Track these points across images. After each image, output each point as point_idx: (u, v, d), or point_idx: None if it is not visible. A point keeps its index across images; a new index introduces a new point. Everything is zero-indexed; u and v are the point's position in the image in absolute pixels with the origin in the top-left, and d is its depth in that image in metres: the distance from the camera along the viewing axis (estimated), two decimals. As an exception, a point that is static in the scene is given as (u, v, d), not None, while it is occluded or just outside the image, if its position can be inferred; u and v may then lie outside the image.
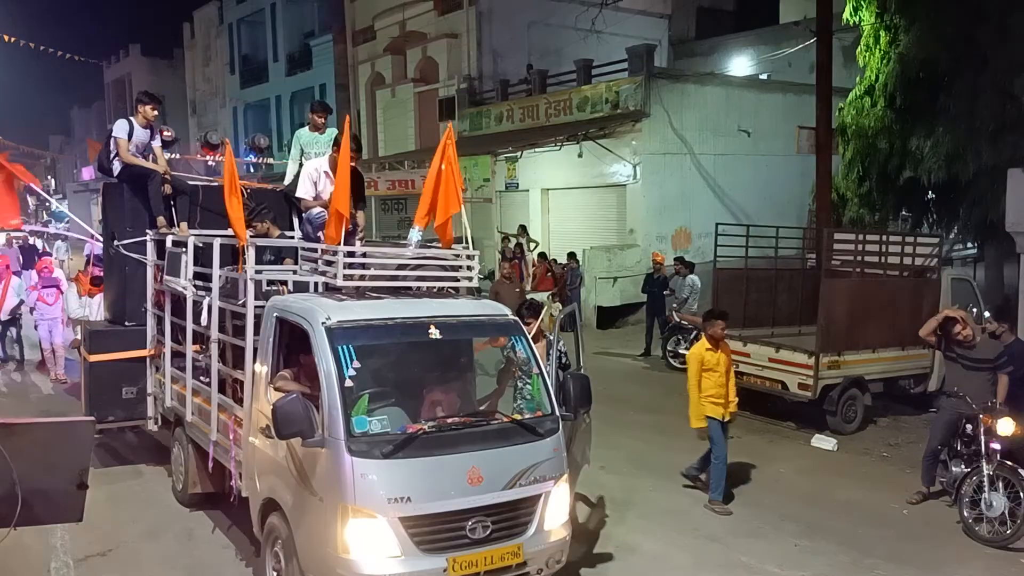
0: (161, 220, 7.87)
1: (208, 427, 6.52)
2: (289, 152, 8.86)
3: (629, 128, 17.53)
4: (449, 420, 5.05)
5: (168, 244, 7.39)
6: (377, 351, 5.17)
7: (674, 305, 14.19)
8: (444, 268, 5.81)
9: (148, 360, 8.04)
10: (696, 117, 18.23)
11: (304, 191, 6.70)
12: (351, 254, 5.52)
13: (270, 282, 6.37)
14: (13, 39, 19.32)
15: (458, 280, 5.77)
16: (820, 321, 9.96)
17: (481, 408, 5.66)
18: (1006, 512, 6.71)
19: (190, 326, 6.88)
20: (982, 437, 7.03)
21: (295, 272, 6.25)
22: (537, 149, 19.10)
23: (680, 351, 13.70)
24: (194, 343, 7.03)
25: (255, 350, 5.71)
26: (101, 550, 6.42)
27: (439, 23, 23.87)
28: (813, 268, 11.92)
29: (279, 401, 4.71)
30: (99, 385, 7.98)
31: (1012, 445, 7.00)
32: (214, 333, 6.45)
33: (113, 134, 7.99)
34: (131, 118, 8.10)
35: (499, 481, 4.85)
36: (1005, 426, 6.93)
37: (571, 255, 16.99)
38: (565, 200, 19.98)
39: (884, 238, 11.38)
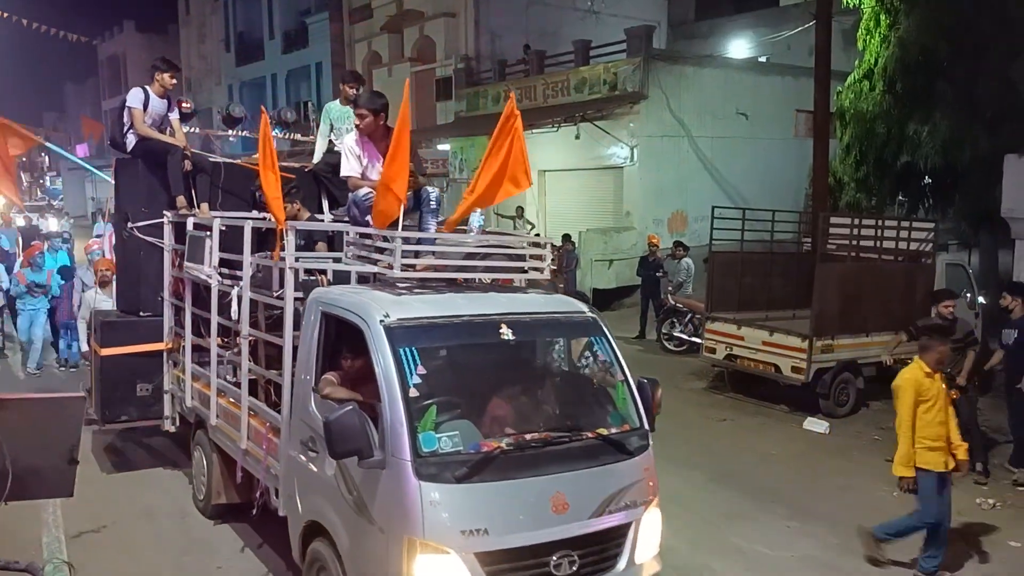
0: (180, 200, 7.09)
1: (237, 433, 5.81)
2: (318, 128, 8.15)
3: (627, 110, 17.46)
4: (528, 436, 4.31)
5: (189, 227, 6.70)
6: (443, 354, 4.57)
7: (669, 288, 14.20)
8: (513, 258, 5.15)
9: (165, 354, 7.35)
10: (694, 100, 18.16)
11: (350, 168, 5.68)
12: (410, 240, 4.88)
13: (307, 272, 5.59)
14: (5, 15, 19.09)
15: (526, 271, 5.13)
16: (814, 305, 9.98)
17: (561, 420, 4.81)
18: None
19: (215, 319, 6.17)
20: None
21: (339, 260, 5.55)
22: (534, 131, 19.02)
23: (675, 334, 13.76)
24: (217, 337, 6.37)
25: (295, 349, 5.08)
26: (95, 527, 6.44)
27: (436, 2, 23.68)
28: (808, 252, 11.93)
29: (333, 414, 4.03)
30: (111, 382, 7.27)
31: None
32: (244, 328, 5.71)
33: (127, 104, 7.25)
34: (146, 87, 7.33)
35: (586, 508, 4.23)
36: None
37: (566, 237, 16.99)
38: (562, 182, 19.94)
39: (880, 223, 11.39)
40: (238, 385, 5.87)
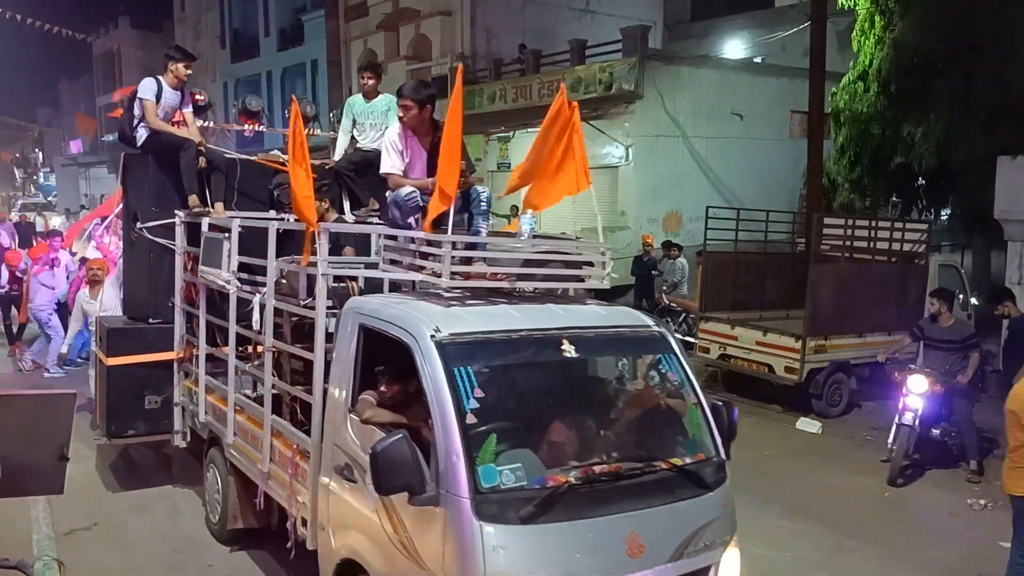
0: (194, 199, 6.64)
1: (258, 454, 5.37)
2: (340, 123, 7.65)
3: (622, 109, 17.46)
4: (597, 468, 3.84)
5: (204, 228, 6.30)
6: (501, 374, 4.05)
7: (664, 288, 14.22)
8: (570, 265, 4.61)
9: (176, 364, 6.89)
10: (689, 100, 18.17)
11: (391, 165, 5.05)
12: (460, 245, 4.34)
13: (335, 278, 5.13)
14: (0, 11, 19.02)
15: (583, 280, 4.62)
16: (808, 305, 10.00)
17: (631, 449, 4.28)
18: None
19: (233, 328, 5.72)
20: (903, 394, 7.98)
21: (373, 265, 5.20)
22: (530, 129, 19.02)
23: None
24: (235, 348, 5.94)
25: (327, 364, 4.61)
26: (87, 524, 6.42)
27: (432, 0, 23.67)
28: (802, 252, 11.96)
29: (381, 444, 3.55)
30: (118, 393, 6.80)
31: (933, 403, 7.91)
32: (268, 340, 5.22)
33: (138, 95, 6.81)
34: (159, 77, 6.90)
35: (664, 551, 3.76)
36: (916, 383, 7.86)
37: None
38: (557, 181, 19.92)
39: (873, 224, 11.42)
40: (258, 400, 5.49)
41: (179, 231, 6.75)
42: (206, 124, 7.76)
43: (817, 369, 10.00)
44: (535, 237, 4.87)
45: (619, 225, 17.90)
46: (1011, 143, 11.35)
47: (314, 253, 4.71)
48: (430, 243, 4.38)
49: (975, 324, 11.10)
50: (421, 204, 4.78)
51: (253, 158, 7.24)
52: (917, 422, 7.84)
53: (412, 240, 4.60)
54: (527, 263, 4.46)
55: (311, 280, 4.87)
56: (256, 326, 5.40)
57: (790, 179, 17.54)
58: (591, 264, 4.62)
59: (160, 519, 6.60)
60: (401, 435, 3.55)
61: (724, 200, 16.99)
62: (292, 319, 5.26)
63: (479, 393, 3.69)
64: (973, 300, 11.92)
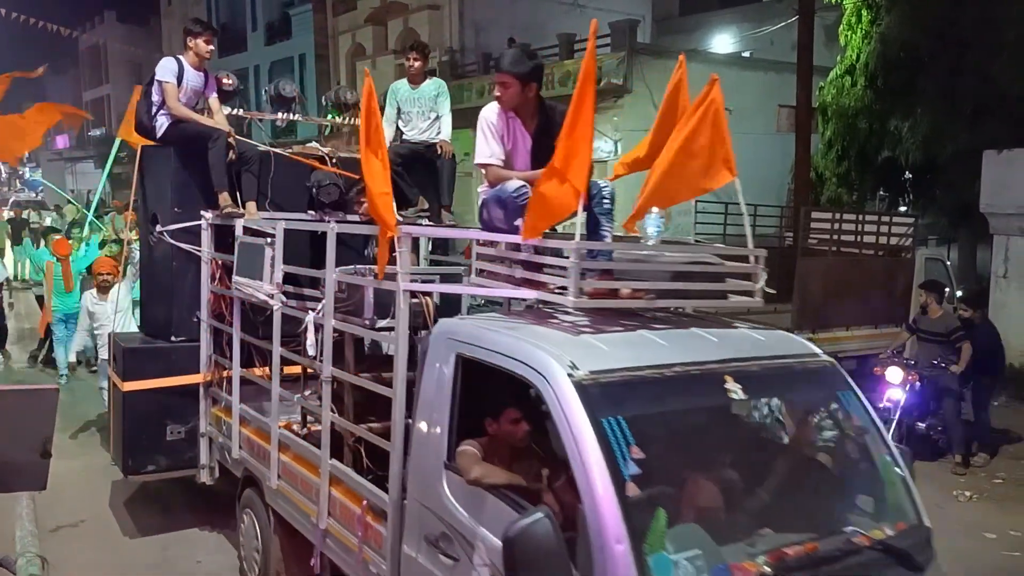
0: (225, 197, 5.72)
1: (311, 506, 4.39)
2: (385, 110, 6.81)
3: (611, 104, 17.46)
4: (790, 551, 2.84)
5: (238, 232, 5.36)
6: (656, 425, 3.12)
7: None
8: (714, 278, 3.71)
9: (202, 389, 5.97)
10: (678, 94, 18.19)
11: (489, 154, 4.08)
12: (593, 254, 3.55)
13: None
14: (-17, 4, 18.80)
15: (727, 297, 3.75)
16: (795, 299, 10.03)
17: (821, 520, 3.21)
18: None
19: (277, 352, 4.77)
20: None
21: (448, 278, 4.64)
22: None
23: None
24: (264, 366, 5.15)
25: (408, 401, 3.66)
26: (73, 521, 6.39)
27: (421, -6, 23.61)
28: (790, 246, 12.01)
29: (517, 526, 2.58)
30: (137, 423, 5.94)
31: (917, 396, 8.11)
32: (326, 369, 4.23)
33: (156, 78, 5.98)
34: (179, 57, 6.09)
35: None
36: (892, 375, 8.10)
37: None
38: (546, 176, 19.92)
39: (860, 217, 11.47)
40: (310, 439, 4.60)
41: (205, 235, 5.83)
42: (234, 112, 6.90)
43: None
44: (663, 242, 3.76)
45: (608, 220, 17.92)
46: (997, 138, 11.42)
47: (391, 262, 3.75)
48: (545, 251, 3.50)
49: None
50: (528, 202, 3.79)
51: (288, 152, 6.32)
52: (897, 414, 7.91)
53: (516, 247, 3.64)
54: (675, 276, 3.52)
55: (379, 295, 4.01)
56: (310, 350, 4.43)
57: (778, 173, 17.59)
58: (746, 276, 3.73)
59: (148, 516, 6.55)
60: (542, 515, 2.60)
61: (713, 194, 17.01)
62: (342, 339, 4.36)
63: (637, 453, 2.75)
64: (959, 293, 11.99)
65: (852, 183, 14.65)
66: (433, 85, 6.66)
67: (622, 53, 17.46)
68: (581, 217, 3.45)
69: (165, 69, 5.95)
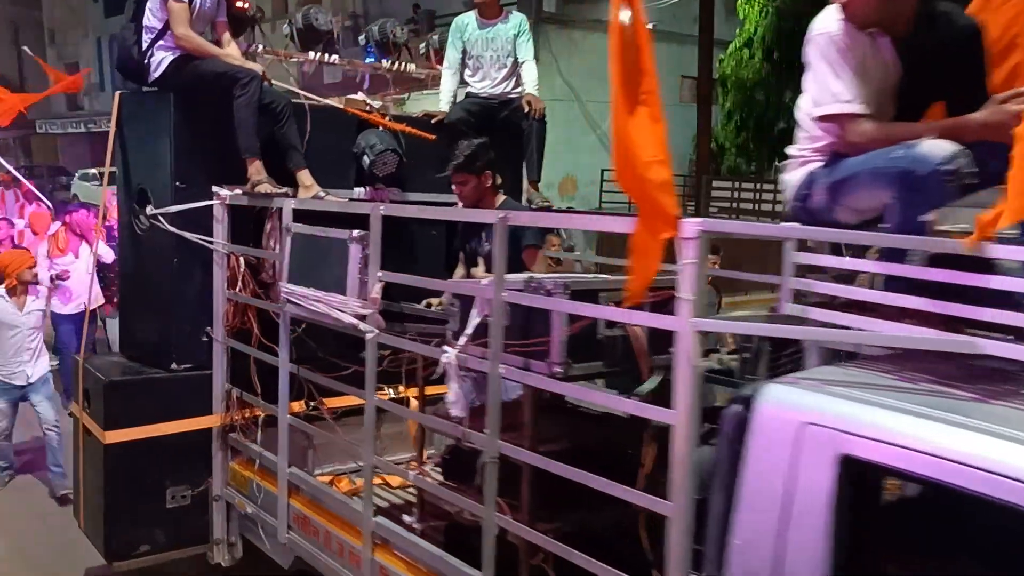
0: (256, 167, 4.02)
1: None
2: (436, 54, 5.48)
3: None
4: None
5: (285, 217, 3.67)
6: None
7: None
8: None
9: (217, 435, 4.30)
10: (584, 64, 18.28)
11: (841, 94, 2.50)
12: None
13: (608, 323, 2.70)
14: None
15: None
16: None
17: None
18: None
19: (372, 401, 3.18)
20: None
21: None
22: (426, 91, 18.75)
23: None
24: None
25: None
26: None
27: (322, -44, 22.82)
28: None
29: None
30: (123, 488, 4.19)
31: None
32: (492, 443, 2.62)
33: None
34: None
35: None
36: None
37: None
38: (452, 145, 19.76)
39: (758, 186, 11.89)
40: (429, 536, 3.11)
41: (219, 222, 4.15)
42: (251, 48, 5.05)
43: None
44: None
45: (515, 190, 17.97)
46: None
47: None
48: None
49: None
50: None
51: (333, 102, 4.66)
52: None
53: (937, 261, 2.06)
54: None
55: (581, 330, 2.52)
56: (453, 410, 2.75)
57: (681, 143, 17.99)
58: None
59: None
60: None
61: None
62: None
63: None
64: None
65: (751, 153, 15.15)
66: (515, 22, 5.28)
67: (528, 22, 17.41)
68: None
69: None
